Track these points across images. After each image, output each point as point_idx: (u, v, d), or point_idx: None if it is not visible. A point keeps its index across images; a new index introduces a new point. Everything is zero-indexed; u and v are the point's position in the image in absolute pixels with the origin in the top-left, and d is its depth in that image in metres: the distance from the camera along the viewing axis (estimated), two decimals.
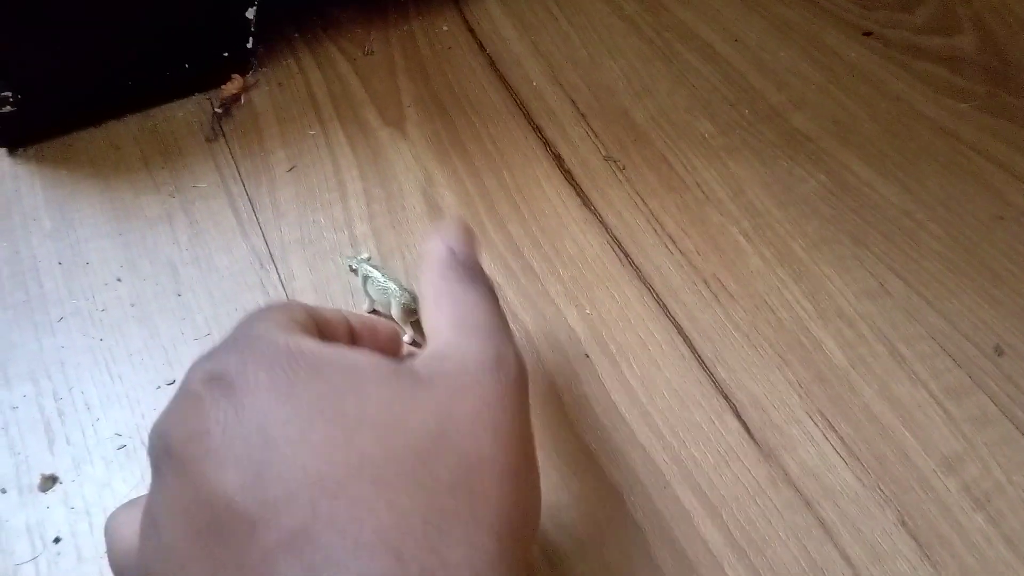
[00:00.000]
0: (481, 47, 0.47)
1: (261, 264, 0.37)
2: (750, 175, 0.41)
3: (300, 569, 0.18)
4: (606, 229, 0.38)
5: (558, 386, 0.33)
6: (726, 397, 0.32)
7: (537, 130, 0.43)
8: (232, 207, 0.39)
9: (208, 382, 0.20)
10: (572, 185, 0.40)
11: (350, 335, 0.26)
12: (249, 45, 0.44)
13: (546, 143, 0.42)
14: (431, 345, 0.23)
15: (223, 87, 0.44)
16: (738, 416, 0.32)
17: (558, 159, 0.41)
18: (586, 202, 0.39)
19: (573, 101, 0.44)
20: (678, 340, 0.34)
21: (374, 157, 0.41)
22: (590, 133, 0.43)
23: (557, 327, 0.35)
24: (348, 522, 0.18)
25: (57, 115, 0.41)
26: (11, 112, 0.39)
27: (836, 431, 0.31)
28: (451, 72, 0.46)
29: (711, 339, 0.34)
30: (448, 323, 0.23)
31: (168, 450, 0.20)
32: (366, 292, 0.35)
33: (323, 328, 0.25)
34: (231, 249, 0.37)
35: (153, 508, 0.20)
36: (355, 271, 0.35)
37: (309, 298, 0.36)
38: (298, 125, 0.43)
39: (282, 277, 0.36)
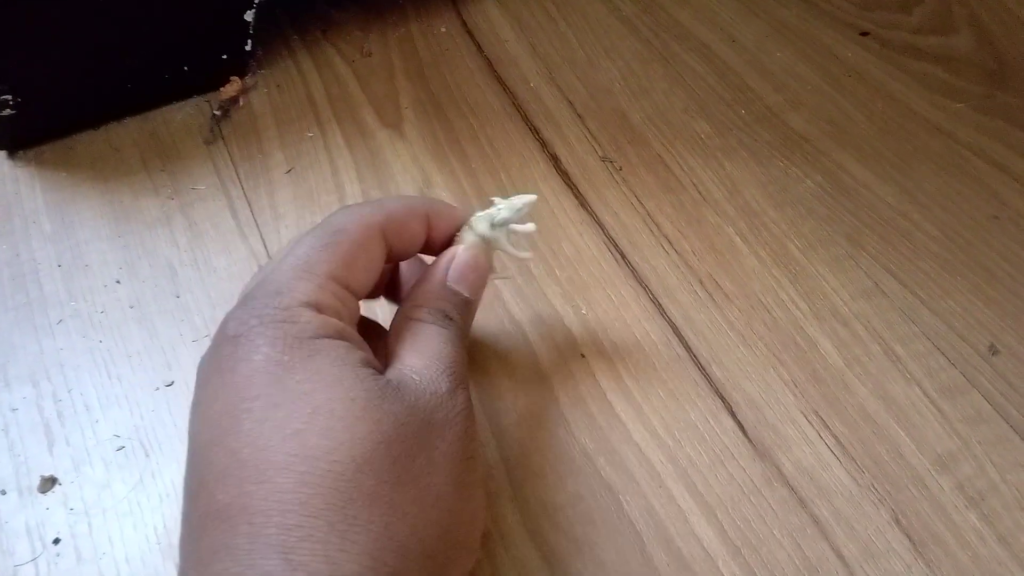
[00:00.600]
0: (479, 48, 0.48)
1: (259, 266, 0.37)
2: (746, 176, 0.41)
3: (213, 545, 0.19)
4: (603, 229, 0.38)
5: (554, 386, 0.33)
6: (721, 396, 0.32)
7: (534, 131, 0.43)
8: (231, 209, 0.39)
9: (228, 339, 0.22)
10: (569, 186, 0.41)
11: (424, 222, 0.27)
12: (248, 48, 0.44)
13: (543, 144, 0.42)
14: (400, 365, 0.24)
15: (222, 89, 0.44)
16: (733, 415, 0.32)
17: (555, 160, 0.42)
18: (583, 202, 0.40)
19: (570, 102, 0.45)
20: (674, 340, 0.34)
21: (372, 158, 0.42)
22: (587, 134, 0.43)
23: (554, 327, 0.35)
24: (256, 513, 0.19)
25: (57, 118, 0.42)
26: (11, 115, 0.39)
27: (831, 430, 0.32)
28: (449, 74, 0.46)
29: (707, 339, 0.34)
30: (410, 349, 0.25)
31: (197, 381, 0.23)
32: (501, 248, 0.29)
33: (391, 229, 0.26)
34: (230, 251, 0.38)
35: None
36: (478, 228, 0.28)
37: None
38: (296, 127, 0.43)
39: None
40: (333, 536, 0.19)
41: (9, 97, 0.39)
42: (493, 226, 0.28)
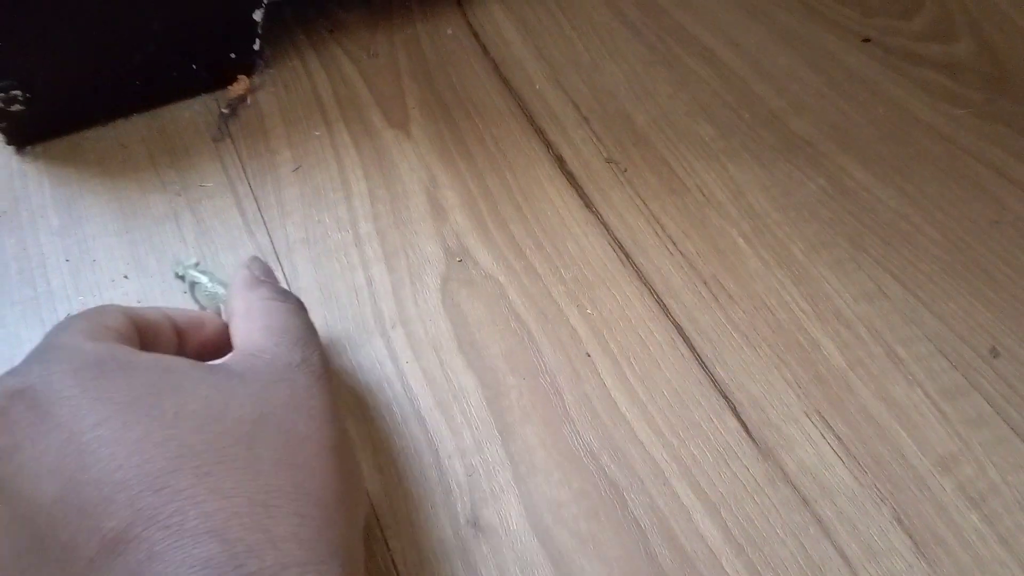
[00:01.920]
0: (484, 50, 0.48)
1: (266, 261, 0.37)
2: (750, 178, 0.41)
3: (125, 571, 0.18)
4: (607, 230, 0.39)
5: (560, 385, 0.33)
6: (725, 396, 0.33)
7: (540, 132, 0.43)
8: (238, 206, 0.39)
9: (12, 396, 0.20)
10: (574, 187, 0.41)
11: (175, 333, 0.27)
12: (256, 47, 0.44)
13: (548, 145, 0.43)
14: (243, 348, 0.24)
15: (229, 88, 0.45)
16: (737, 415, 0.32)
17: (560, 161, 0.42)
18: (588, 204, 0.40)
19: (575, 104, 0.45)
20: (678, 340, 0.35)
21: (378, 158, 0.42)
22: (592, 136, 0.43)
23: (559, 326, 0.35)
24: (171, 515, 0.18)
25: (65, 114, 0.42)
26: (20, 110, 0.40)
27: (834, 431, 0.32)
28: (455, 75, 0.46)
29: (710, 339, 0.35)
30: (258, 330, 0.25)
31: None
32: (195, 299, 0.33)
33: (144, 330, 0.25)
34: (237, 247, 0.38)
35: None
36: (182, 278, 0.34)
37: (314, 297, 0.36)
38: (303, 126, 0.43)
39: (287, 275, 0.37)
40: (256, 509, 0.19)
41: (19, 92, 0.39)
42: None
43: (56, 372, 0.20)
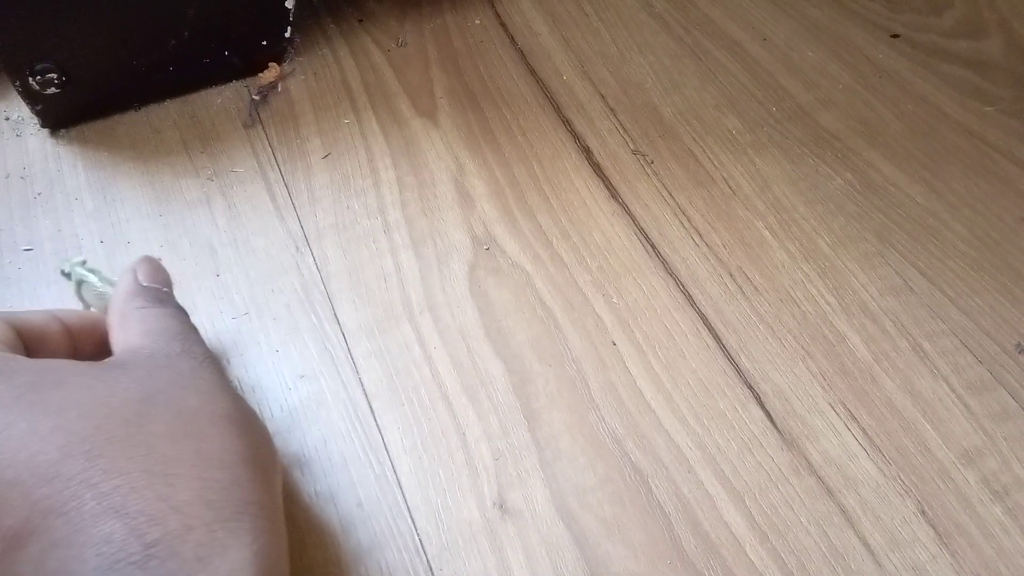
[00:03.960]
0: (512, 41, 0.48)
1: (297, 247, 0.38)
2: (777, 172, 0.41)
3: (29, 565, 0.18)
4: (633, 221, 0.39)
5: (585, 372, 0.33)
6: (750, 387, 0.33)
7: (567, 123, 0.44)
8: (269, 191, 0.40)
9: None
10: (601, 177, 0.41)
11: (67, 335, 0.27)
12: (287, 35, 0.45)
13: (575, 136, 0.43)
14: (122, 350, 0.25)
15: (261, 75, 0.45)
16: (762, 405, 0.32)
17: (587, 152, 0.42)
18: (614, 194, 0.40)
19: (602, 95, 0.45)
20: (703, 330, 0.35)
21: (407, 146, 0.42)
22: (619, 127, 0.43)
23: (585, 315, 0.35)
24: (66, 501, 0.19)
25: (99, 98, 0.43)
26: (56, 93, 0.40)
27: (858, 422, 0.32)
28: (483, 65, 0.47)
29: (736, 330, 0.35)
30: (135, 335, 0.25)
31: None
32: (80, 298, 0.31)
33: (28, 335, 0.25)
34: (267, 232, 0.38)
35: None
36: (68, 275, 0.31)
37: (343, 282, 0.36)
38: (333, 113, 0.44)
39: (316, 260, 0.37)
40: (154, 480, 0.19)
41: (55, 75, 0.40)
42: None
43: None
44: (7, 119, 0.43)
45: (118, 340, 0.25)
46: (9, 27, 0.37)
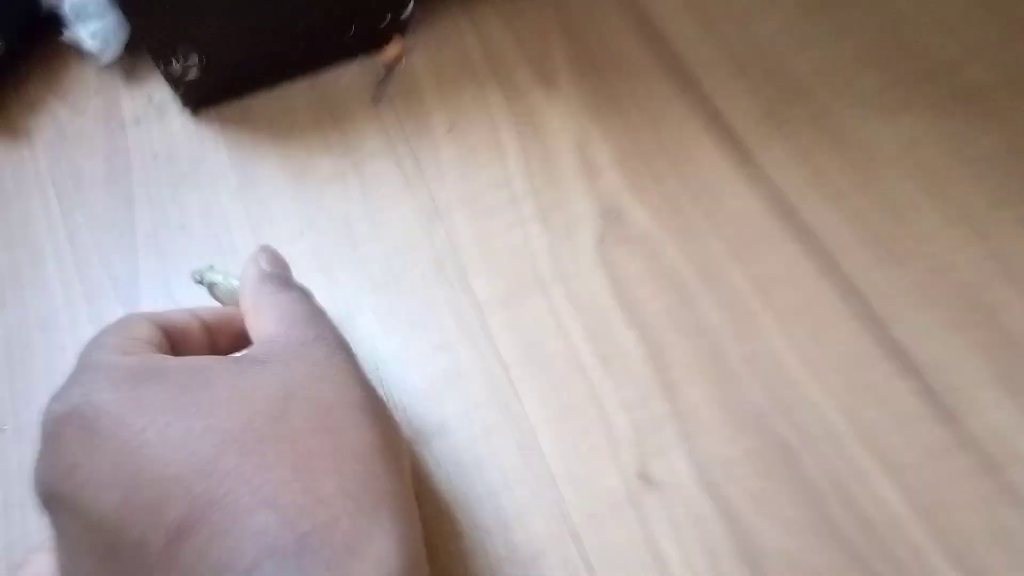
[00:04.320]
0: (633, 2, 0.47)
1: (428, 220, 0.38)
2: (921, 132, 0.39)
3: (194, 555, 0.19)
4: (768, 186, 0.38)
5: (723, 343, 0.33)
6: (903, 357, 0.32)
7: (693, 85, 0.42)
8: (399, 166, 0.41)
9: (61, 421, 0.21)
10: (731, 141, 0.40)
11: (206, 331, 0.28)
12: (409, 8, 0.45)
13: (702, 98, 0.42)
14: (259, 339, 0.26)
15: (385, 50, 0.46)
16: (917, 377, 0.31)
17: (715, 115, 0.41)
18: (746, 159, 0.39)
19: (729, 55, 0.43)
20: (851, 299, 0.33)
21: (530, 116, 0.42)
22: (748, 88, 0.42)
23: (719, 284, 0.35)
24: (224, 495, 0.20)
25: (235, 79, 0.44)
26: (196, 77, 0.42)
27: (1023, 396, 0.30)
28: (604, 29, 0.46)
29: (886, 299, 0.33)
30: (270, 320, 0.26)
31: (50, 495, 0.21)
32: (217, 299, 0.33)
33: (173, 334, 0.27)
34: (399, 205, 0.39)
35: (60, 552, 0.22)
36: (200, 282, 0.33)
37: (473, 254, 0.37)
38: (456, 85, 0.44)
39: (448, 232, 0.38)
40: (300, 474, 0.20)
41: (196, 59, 0.41)
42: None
43: (96, 390, 0.22)
44: (151, 100, 0.45)
45: (255, 327, 0.27)
46: (155, 14, 0.39)
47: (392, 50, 0.46)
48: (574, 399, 0.32)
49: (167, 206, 0.40)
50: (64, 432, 0.22)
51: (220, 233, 0.39)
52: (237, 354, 0.25)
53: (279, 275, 0.29)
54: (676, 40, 0.45)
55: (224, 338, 0.29)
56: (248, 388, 0.23)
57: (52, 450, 0.22)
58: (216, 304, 0.33)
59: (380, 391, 0.26)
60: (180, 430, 0.21)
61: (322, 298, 0.36)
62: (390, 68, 0.45)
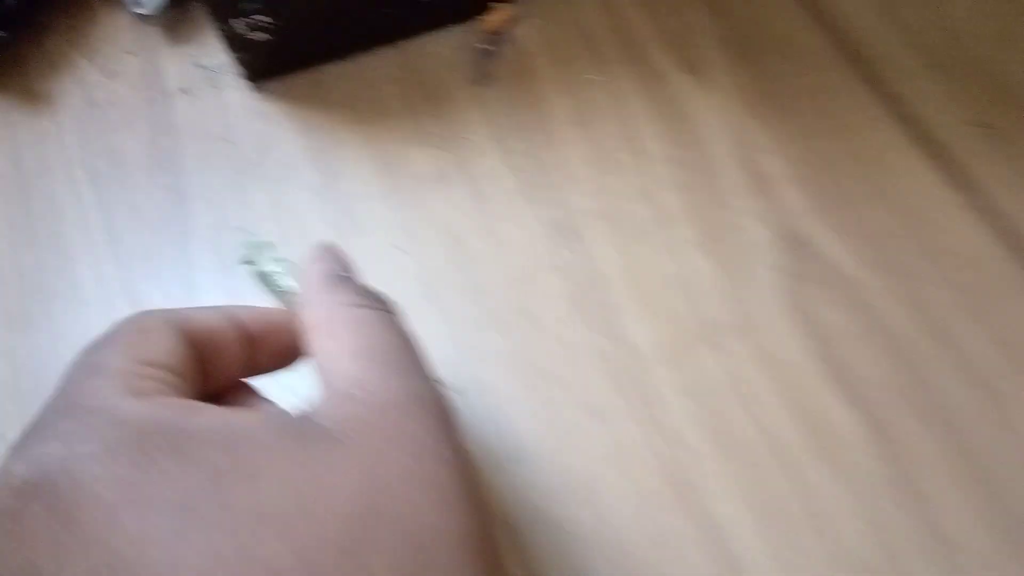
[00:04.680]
0: None
1: (552, 239, 0.30)
2: None
3: None
4: (998, 217, 0.30)
5: (972, 436, 0.25)
6: None
7: (877, 82, 0.34)
8: (512, 166, 0.33)
9: (25, 495, 0.14)
10: (933, 156, 0.32)
11: (243, 343, 0.20)
12: None
13: (891, 99, 0.34)
14: (331, 383, 0.17)
15: (485, 18, 0.37)
16: None
17: (911, 121, 0.33)
18: (956, 179, 0.31)
19: (920, 47, 0.35)
20: None
21: (672, 111, 0.34)
22: (945, 89, 0.34)
23: (951, 348, 0.27)
24: None
25: (306, 46, 0.36)
26: (264, 39, 0.34)
27: None
28: (761, 5, 0.37)
29: None
30: (348, 353, 0.18)
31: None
32: (269, 290, 0.24)
33: (203, 348, 0.19)
34: (517, 217, 0.31)
35: None
36: (251, 262, 0.24)
37: (618, 286, 0.29)
38: (575, 68, 0.36)
39: (579, 257, 0.30)
40: None
41: (264, 18, 0.33)
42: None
43: (82, 455, 0.15)
44: (201, 67, 0.36)
45: (324, 355, 0.18)
46: None
47: (495, 19, 0.37)
48: (777, 496, 0.24)
49: (227, 202, 0.32)
50: (26, 512, 0.14)
51: (294, 239, 0.31)
52: (301, 412, 0.17)
53: (361, 284, 0.21)
54: (851, 24, 0.36)
55: (267, 354, 0.21)
56: (312, 491, 0.15)
57: (3, 533, 0.14)
58: (244, 299, 0.23)
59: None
60: (199, 548, 0.14)
61: (427, 335, 0.28)
62: (492, 41, 0.37)
